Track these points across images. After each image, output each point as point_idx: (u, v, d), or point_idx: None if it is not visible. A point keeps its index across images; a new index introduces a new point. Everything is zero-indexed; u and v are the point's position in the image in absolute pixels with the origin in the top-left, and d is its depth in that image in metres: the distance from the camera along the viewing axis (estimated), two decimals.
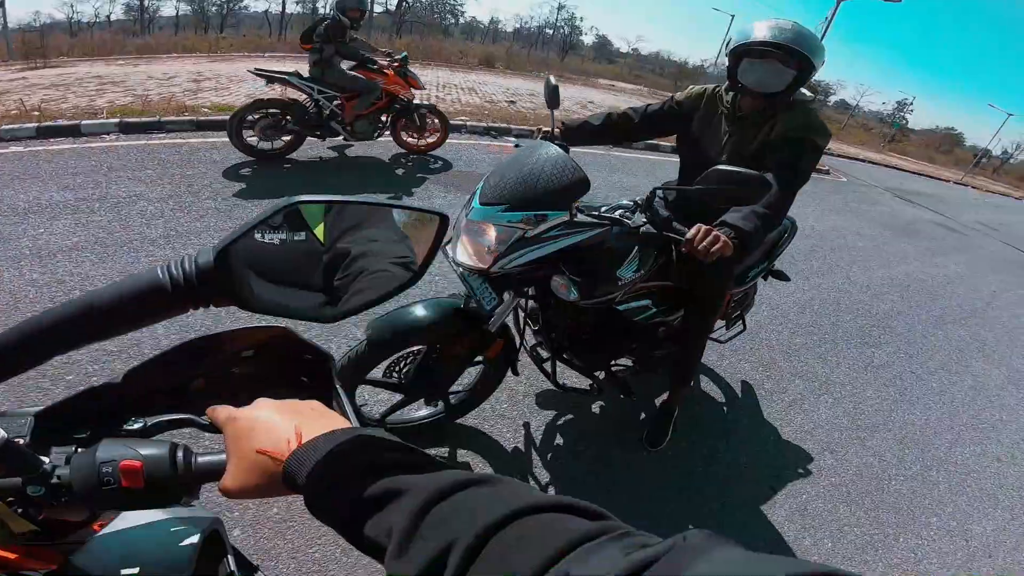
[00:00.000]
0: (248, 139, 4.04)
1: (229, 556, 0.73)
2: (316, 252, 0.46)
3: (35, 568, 0.46)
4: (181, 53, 10.13)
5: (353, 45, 4.21)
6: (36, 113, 4.64)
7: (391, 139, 4.95)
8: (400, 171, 4.81)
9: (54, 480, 0.40)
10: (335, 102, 4.19)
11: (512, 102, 9.08)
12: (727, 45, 1.60)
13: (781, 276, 2.44)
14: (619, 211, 1.42)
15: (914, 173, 17.78)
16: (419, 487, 0.34)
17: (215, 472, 0.42)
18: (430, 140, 5.03)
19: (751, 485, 2.15)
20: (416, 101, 4.72)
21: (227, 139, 4.02)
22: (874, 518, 2.15)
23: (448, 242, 1.51)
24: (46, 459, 0.41)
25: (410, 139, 4.96)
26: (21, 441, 0.41)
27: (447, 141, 5.18)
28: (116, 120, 4.65)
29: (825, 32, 14.53)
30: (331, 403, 0.51)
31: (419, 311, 1.54)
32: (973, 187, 18.92)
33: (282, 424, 0.40)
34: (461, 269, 1.50)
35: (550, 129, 1.69)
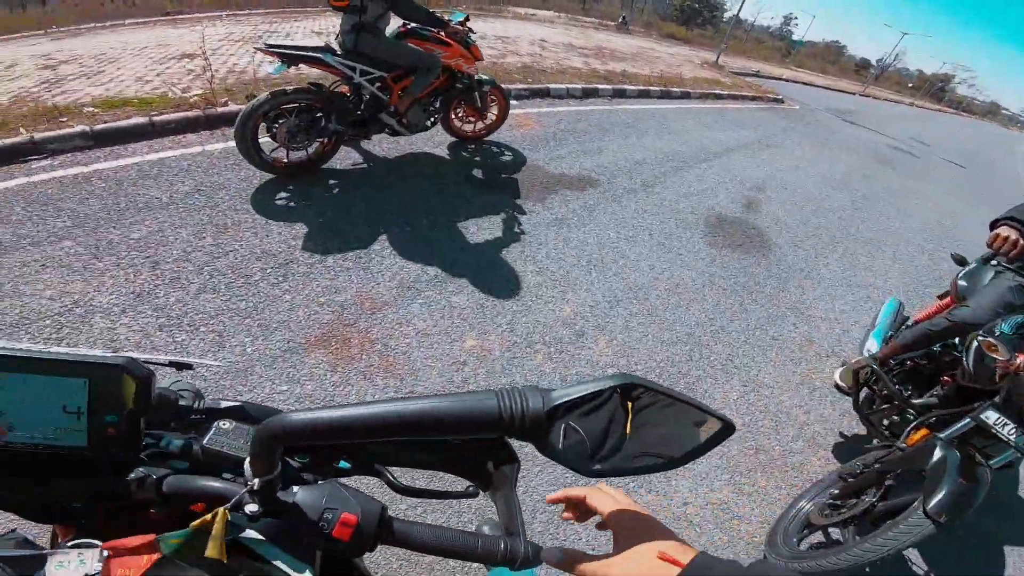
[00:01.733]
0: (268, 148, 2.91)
1: None
2: (617, 422, 0.46)
3: None
4: (2, 34, 6.93)
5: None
6: None
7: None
8: (478, 172, 3.75)
9: (282, 497, 0.44)
10: (376, 84, 3.07)
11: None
12: None
13: None
14: None
15: (825, 88, 18.95)
16: None
17: (405, 541, 0.46)
18: (488, 122, 4.04)
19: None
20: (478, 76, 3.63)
21: (186, 150, 3.06)
22: None
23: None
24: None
25: (465, 124, 3.96)
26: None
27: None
28: None
29: None
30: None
31: None
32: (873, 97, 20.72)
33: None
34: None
35: None
